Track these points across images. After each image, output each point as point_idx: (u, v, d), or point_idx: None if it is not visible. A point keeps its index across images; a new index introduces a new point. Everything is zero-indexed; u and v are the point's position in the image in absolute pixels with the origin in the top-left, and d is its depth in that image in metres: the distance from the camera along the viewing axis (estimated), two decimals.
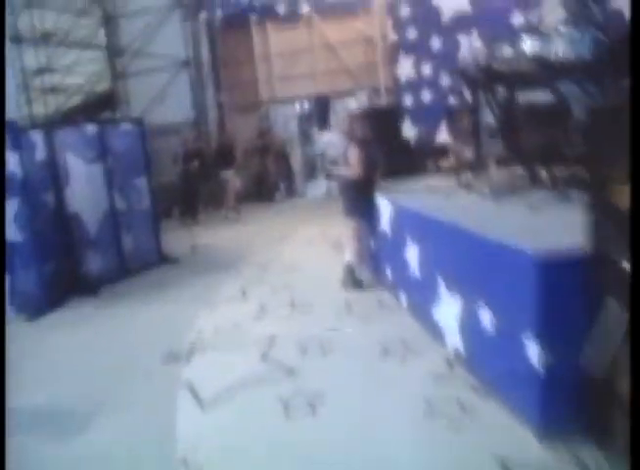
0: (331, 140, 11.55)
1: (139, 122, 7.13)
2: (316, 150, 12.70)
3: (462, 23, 9.84)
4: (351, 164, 5.38)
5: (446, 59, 10.10)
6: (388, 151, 5.98)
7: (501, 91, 4.89)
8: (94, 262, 6.42)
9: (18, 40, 11.98)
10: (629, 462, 1.93)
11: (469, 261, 3.47)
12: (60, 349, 4.70)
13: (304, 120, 12.80)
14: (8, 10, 11.16)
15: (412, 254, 4.57)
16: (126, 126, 6.97)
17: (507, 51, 4.43)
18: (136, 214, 7.00)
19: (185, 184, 10.91)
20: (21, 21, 12.01)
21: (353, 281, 5.51)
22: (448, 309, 3.81)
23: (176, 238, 8.27)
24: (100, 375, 4.07)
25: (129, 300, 5.93)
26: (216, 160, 10.93)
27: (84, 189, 6.30)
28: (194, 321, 4.98)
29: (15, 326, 5.18)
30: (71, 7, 12.72)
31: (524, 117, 4.76)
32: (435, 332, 4.08)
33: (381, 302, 5.11)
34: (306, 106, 13.27)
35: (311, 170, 13.27)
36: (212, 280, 6.32)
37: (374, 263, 5.78)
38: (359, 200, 5.46)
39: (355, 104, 12.49)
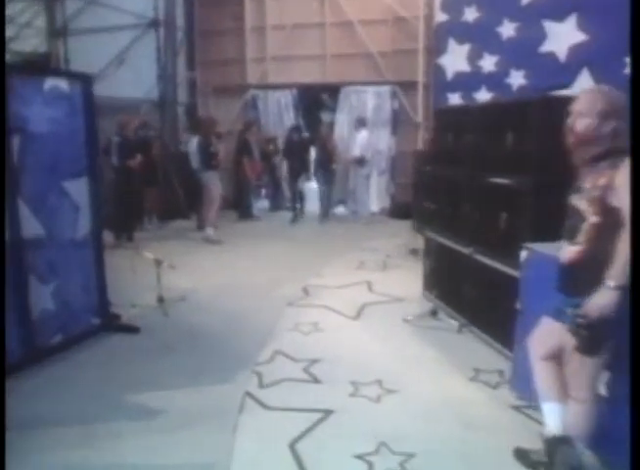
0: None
1: (84, 80, 3.97)
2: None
3: (553, 4, 7.26)
4: None
5: (521, 51, 7.54)
6: None
7: None
8: None
9: None
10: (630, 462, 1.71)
11: None
12: None
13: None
14: None
15: None
16: (57, 85, 3.79)
17: None
18: (63, 246, 3.84)
19: (121, 189, 7.26)
20: None
21: None
22: None
23: (128, 281, 5.10)
24: None
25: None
26: (202, 155, 7.63)
27: None
28: None
29: None
30: None
31: None
32: None
33: None
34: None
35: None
36: (210, 394, 3.29)
37: None
38: None
39: (373, 101, 9.73)
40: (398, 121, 9.62)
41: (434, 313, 4.42)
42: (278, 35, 9.95)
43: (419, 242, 7.15)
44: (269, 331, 4.22)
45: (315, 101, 12.91)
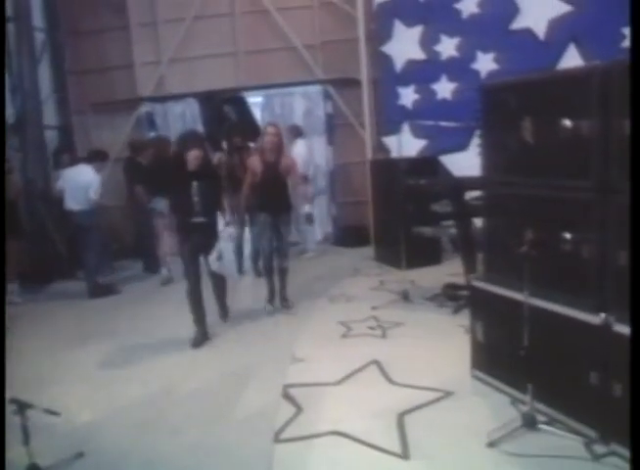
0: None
1: None
2: None
3: None
4: None
5: (488, 30, 6.12)
6: None
7: None
8: None
9: None
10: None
11: None
12: None
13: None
14: None
15: None
16: None
17: None
18: None
19: None
20: None
21: None
22: None
23: None
24: None
25: None
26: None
27: None
28: None
29: None
30: None
31: None
32: None
33: None
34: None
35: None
36: None
37: None
38: None
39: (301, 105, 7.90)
40: (335, 128, 7.88)
41: (531, 423, 2.61)
42: (174, 31, 7.79)
43: (397, 278, 5.45)
44: None
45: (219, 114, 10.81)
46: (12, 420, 2.44)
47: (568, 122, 2.29)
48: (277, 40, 7.59)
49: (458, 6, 6.33)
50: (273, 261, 4.93)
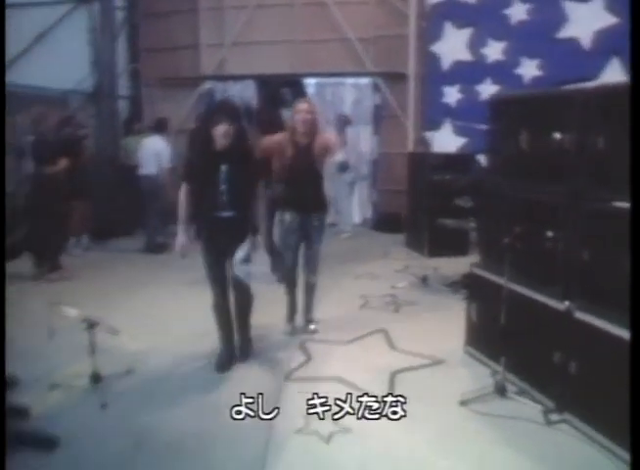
0: None
1: None
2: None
3: None
4: None
5: (534, 37, 6.37)
6: None
7: None
8: None
9: None
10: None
11: None
12: None
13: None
14: None
15: None
16: None
17: None
18: None
19: (37, 203, 5.44)
20: None
21: None
22: None
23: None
24: None
25: None
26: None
27: None
28: None
29: None
30: None
31: None
32: None
33: None
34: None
35: None
36: None
37: None
38: None
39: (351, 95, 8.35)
40: (381, 119, 8.30)
41: (501, 391, 3.07)
42: (238, 17, 8.39)
43: (422, 264, 5.91)
44: (268, 433, 2.74)
45: (275, 96, 11.36)
46: (81, 337, 3.11)
47: (553, 135, 2.69)
48: (332, 32, 8.05)
49: (507, 11, 6.59)
50: (296, 274, 3.99)
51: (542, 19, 6.37)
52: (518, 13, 6.55)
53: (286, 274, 4.04)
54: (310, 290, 4.05)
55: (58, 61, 7.27)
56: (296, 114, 3.77)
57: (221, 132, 3.17)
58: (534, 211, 2.90)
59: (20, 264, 5.46)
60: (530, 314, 2.96)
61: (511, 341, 3.03)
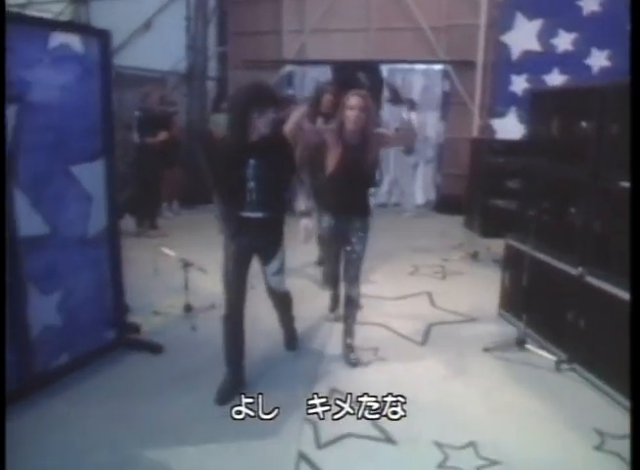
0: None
1: (101, 38, 3.16)
2: None
3: None
4: None
5: (606, 28, 6.53)
6: None
7: None
8: None
9: None
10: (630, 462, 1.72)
11: None
12: None
13: None
14: None
15: None
16: (67, 43, 2.99)
17: None
18: (71, 246, 3.08)
19: (140, 169, 6.49)
20: None
21: None
22: None
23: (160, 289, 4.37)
24: None
25: None
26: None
27: None
28: None
29: None
30: None
31: None
32: None
33: None
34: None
35: None
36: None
37: None
38: None
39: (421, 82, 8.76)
40: (449, 105, 8.66)
41: (520, 343, 3.57)
42: (318, 5, 9.00)
43: (476, 243, 6.33)
44: (318, 356, 3.43)
45: (349, 80, 11.89)
46: (175, 279, 3.91)
47: (579, 123, 3.12)
48: (406, 20, 8.47)
49: (580, 3, 6.75)
50: (338, 277, 3.64)
51: (615, 10, 6.48)
52: (590, 4, 6.70)
53: (325, 279, 4.17)
54: (351, 305, 3.39)
55: (159, 45, 8.23)
56: (347, 109, 3.12)
57: (267, 121, 2.68)
58: (560, 190, 3.34)
59: (124, 223, 6.45)
60: (550, 279, 3.43)
61: (532, 301, 3.52)
